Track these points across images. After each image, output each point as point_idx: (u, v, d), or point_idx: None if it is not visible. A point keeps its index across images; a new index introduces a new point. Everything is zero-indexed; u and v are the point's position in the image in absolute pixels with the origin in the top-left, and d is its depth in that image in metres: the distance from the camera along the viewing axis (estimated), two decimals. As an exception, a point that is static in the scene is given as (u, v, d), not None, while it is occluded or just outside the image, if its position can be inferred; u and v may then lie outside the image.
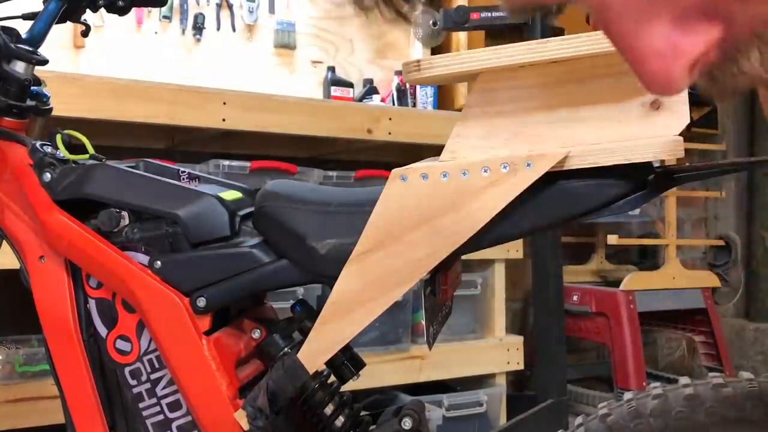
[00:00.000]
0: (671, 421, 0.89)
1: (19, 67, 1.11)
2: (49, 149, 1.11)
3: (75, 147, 1.12)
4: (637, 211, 2.80)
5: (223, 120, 1.93)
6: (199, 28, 2.37)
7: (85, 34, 1.27)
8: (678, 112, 0.80)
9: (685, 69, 0.36)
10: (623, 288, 2.68)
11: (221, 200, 1.05)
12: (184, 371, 1.00)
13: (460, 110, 2.52)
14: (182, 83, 2.02)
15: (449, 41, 2.73)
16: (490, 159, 0.85)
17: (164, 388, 1.04)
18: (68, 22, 1.24)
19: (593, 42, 0.80)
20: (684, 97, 0.80)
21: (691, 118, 0.81)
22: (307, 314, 1.04)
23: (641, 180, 0.87)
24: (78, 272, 1.08)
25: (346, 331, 0.93)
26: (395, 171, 0.90)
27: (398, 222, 0.89)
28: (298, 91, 2.50)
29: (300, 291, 1.83)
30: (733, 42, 0.36)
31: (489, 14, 2.38)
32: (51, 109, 1.18)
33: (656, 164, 0.87)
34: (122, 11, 1.22)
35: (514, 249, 2.42)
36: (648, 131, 0.81)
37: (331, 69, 2.56)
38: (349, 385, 1.11)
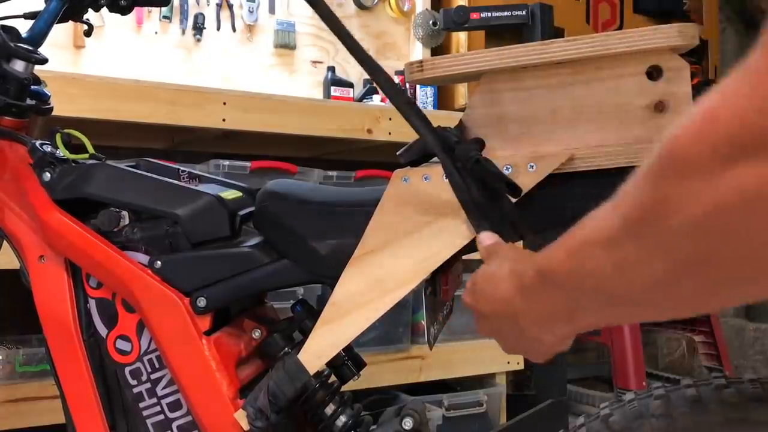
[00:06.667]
0: (673, 422, 0.89)
1: (18, 66, 1.10)
2: (49, 149, 1.10)
3: (75, 146, 1.11)
4: (637, 212, 2.79)
5: (223, 120, 1.92)
6: (199, 28, 2.37)
7: (88, 33, 1.26)
8: (682, 115, 0.80)
9: None
10: (623, 288, 2.66)
11: (221, 200, 1.04)
12: (185, 371, 1.00)
13: (460, 110, 2.52)
14: (182, 83, 2.02)
15: (449, 41, 2.73)
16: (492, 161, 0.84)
17: (164, 388, 1.04)
18: (69, 22, 1.23)
19: (597, 44, 0.80)
20: (688, 99, 0.79)
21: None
22: (307, 314, 1.04)
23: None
24: (78, 272, 1.08)
25: (347, 332, 0.93)
26: (397, 172, 0.90)
27: (400, 223, 0.89)
28: (298, 91, 2.50)
29: (300, 291, 1.83)
30: None
31: (489, 14, 2.38)
32: (51, 109, 1.18)
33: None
34: (124, 11, 1.22)
35: (514, 249, 2.41)
36: (652, 134, 0.80)
37: (331, 69, 2.56)
38: (349, 385, 1.11)
